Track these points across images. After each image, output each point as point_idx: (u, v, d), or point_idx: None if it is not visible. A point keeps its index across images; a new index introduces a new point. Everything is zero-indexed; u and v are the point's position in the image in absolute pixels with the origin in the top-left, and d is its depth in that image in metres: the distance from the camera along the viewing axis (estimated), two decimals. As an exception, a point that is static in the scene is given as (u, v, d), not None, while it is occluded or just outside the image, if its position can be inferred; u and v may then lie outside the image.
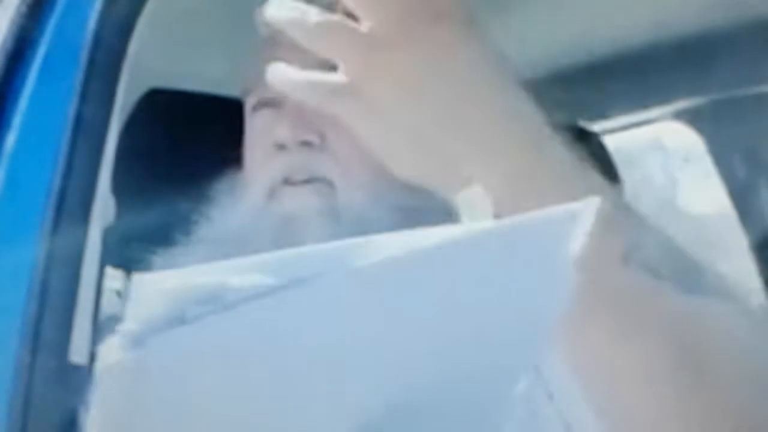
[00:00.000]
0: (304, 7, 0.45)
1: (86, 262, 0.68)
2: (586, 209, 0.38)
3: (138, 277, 0.34)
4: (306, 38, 0.45)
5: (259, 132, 0.76)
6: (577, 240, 0.39)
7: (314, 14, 0.45)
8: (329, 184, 0.72)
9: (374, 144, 0.47)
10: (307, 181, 0.72)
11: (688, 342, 0.48)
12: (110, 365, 0.34)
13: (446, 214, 0.46)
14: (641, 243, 0.50)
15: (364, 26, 0.45)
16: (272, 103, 0.75)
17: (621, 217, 0.48)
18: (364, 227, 0.57)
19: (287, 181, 0.72)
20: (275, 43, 0.78)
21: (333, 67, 0.52)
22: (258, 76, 0.77)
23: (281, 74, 0.48)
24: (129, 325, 0.34)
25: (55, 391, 0.65)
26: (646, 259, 0.49)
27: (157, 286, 0.34)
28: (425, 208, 0.55)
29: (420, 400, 0.39)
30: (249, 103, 0.78)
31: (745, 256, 1.71)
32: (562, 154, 0.50)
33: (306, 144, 0.72)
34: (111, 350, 0.35)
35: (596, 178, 0.50)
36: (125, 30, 0.73)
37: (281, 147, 0.73)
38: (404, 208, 0.67)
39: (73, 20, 0.74)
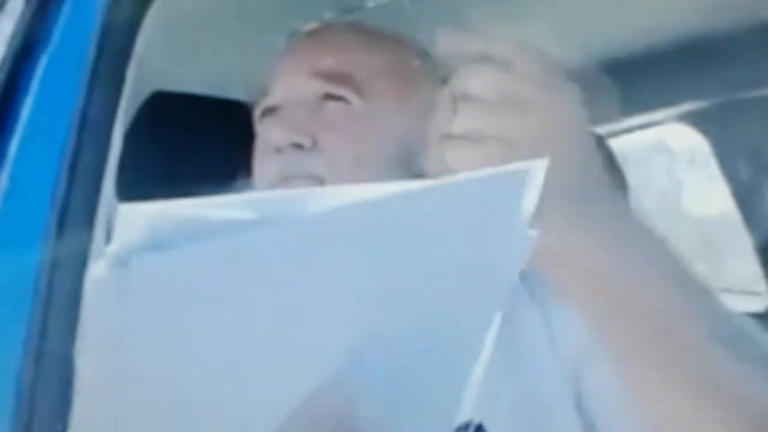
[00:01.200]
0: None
1: (91, 264, 0.68)
2: (536, 168, 0.41)
3: (124, 207, 0.36)
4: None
5: (262, 138, 0.82)
6: (532, 197, 0.42)
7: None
8: (321, 180, 0.76)
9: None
10: (301, 178, 0.77)
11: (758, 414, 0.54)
12: (96, 281, 0.37)
13: None
14: (722, 322, 0.56)
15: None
16: (273, 111, 0.81)
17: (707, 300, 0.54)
18: None
19: (284, 179, 0.77)
20: (279, 62, 0.83)
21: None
22: (264, 88, 0.81)
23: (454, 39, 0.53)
24: (114, 246, 0.36)
25: (60, 392, 0.65)
26: (727, 338, 0.54)
27: (142, 215, 0.36)
28: None
29: (395, 335, 0.42)
30: (256, 113, 0.83)
31: (749, 258, 1.71)
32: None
33: (298, 146, 0.78)
34: (98, 269, 0.37)
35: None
36: (130, 32, 0.74)
37: (278, 150, 0.78)
38: None
39: (77, 23, 0.74)
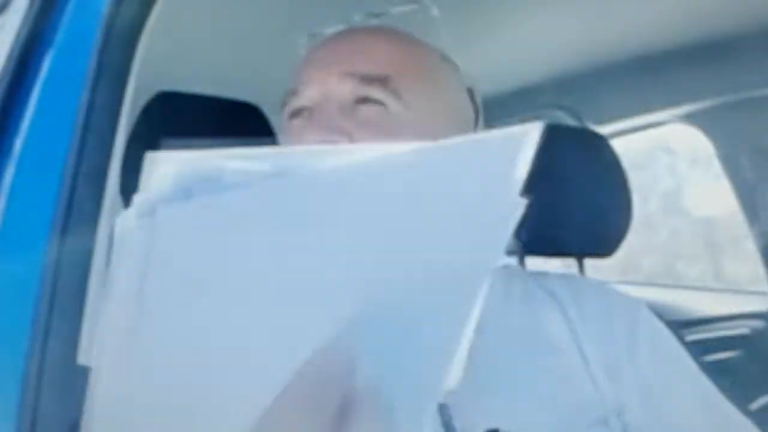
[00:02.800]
0: None
1: (95, 265, 0.68)
2: (531, 132, 0.42)
3: (151, 155, 0.38)
4: None
5: (294, 138, 0.81)
6: (524, 162, 0.43)
7: None
8: None
9: None
10: None
11: None
12: (125, 228, 0.38)
13: None
14: None
15: None
16: (304, 111, 0.81)
17: None
18: None
19: None
20: (308, 62, 0.83)
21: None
22: (292, 89, 0.80)
23: None
24: (142, 195, 0.38)
25: (64, 393, 0.65)
26: None
27: (168, 165, 0.38)
28: None
29: (391, 298, 0.44)
30: (285, 113, 0.83)
31: (753, 258, 1.71)
32: None
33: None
34: (126, 217, 0.39)
35: None
36: (134, 32, 0.74)
37: None
38: None
39: (82, 21, 0.74)
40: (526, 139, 0.42)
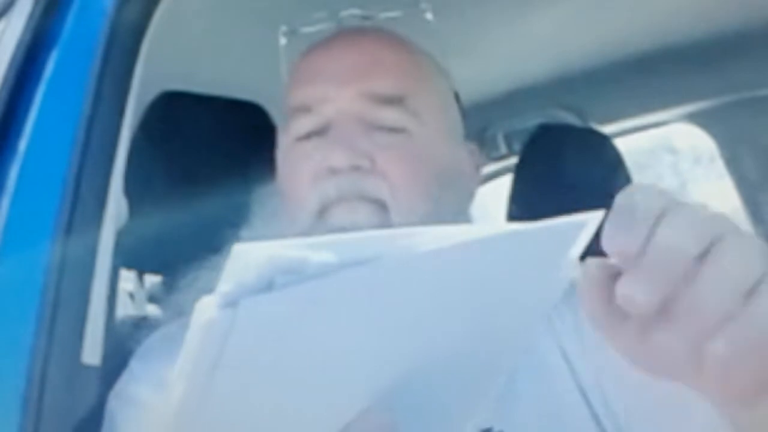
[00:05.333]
0: None
1: (99, 264, 0.69)
2: (592, 220, 0.44)
3: (238, 247, 0.38)
4: None
5: (307, 158, 0.77)
6: (581, 244, 0.45)
7: None
8: (382, 205, 0.74)
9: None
10: (361, 200, 0.75)
11: None
12: (204, 321, 0.39)
13: None
14: None
15: None
16: (321, 131, 0.78)
17: None
18: None
19: (341, 200, 0.75)
20: (315, 74, 0.79)
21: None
22: (303, 106, 0.77)
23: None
24: (224, 286, 0.38)
25: (68, 392, 0.65)
26: None
27: (251, 256, 0.38)
28: None
29: (438, 358, 0.47)
30: (295, 131, 0.79)
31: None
32: None
33: (357, 168, 0.75)
34: (206, 308, 0.39)
35: None
36: (138, 32, 0.74)
37: (333, 171, 0.75)
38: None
39: (86, 22, 0.74)
40: (588, 224, 0.45)
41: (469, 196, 0.84)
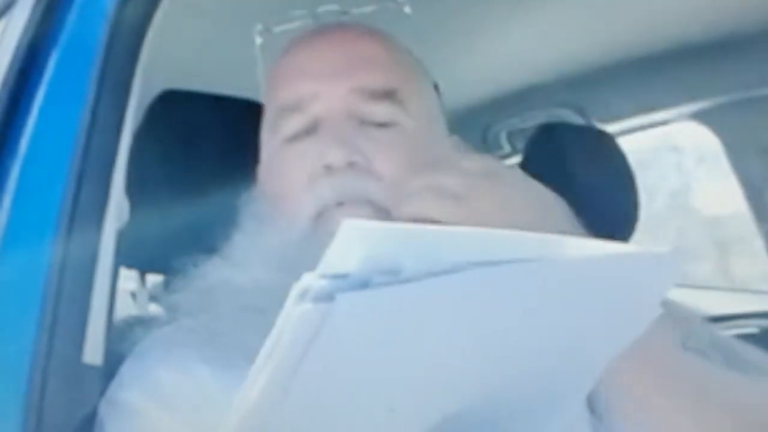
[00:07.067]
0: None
1: (100, 264, 0.68)
2: (675, 256, 0.45)
3: (347, 223, 0.38)
4: None
5: (300, 158, 0.76)
6: (668, 284, 0.47)
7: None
8: (378, 207, 0.73)
9: None
10: (360, 204, 0.73)
11: (743, 411, 0.61)
12: (299, 313, 0.38)
13: None
14: (692, 332, 0.62)
15: None
16: (311, 130, 0.76)
17: (675, 311, 0.58)
18: None
19: (340, 204, 0.73)
20: (302, 72, 0.78)
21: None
22: (293, 104, 0.76)
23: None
24: (320, 280, 0.38)
25: (69, 392, 0.65)
26: (698, 346, 0.62)
27: (358, 236, 0.38)
28: None
29: (513, 382, 0.47)
30: (285, 131, 0.78)
31: (761, 257, 1.71)
32: None
33: (353, 165, 0.74)
34: (302, 296, 0.38)
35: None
36: (139, 31, 0.74)
37: (329, 168, 0.73)
38: None
39: (86, 22, 0.74)
40: (671, 258, 0.45)
41: None
